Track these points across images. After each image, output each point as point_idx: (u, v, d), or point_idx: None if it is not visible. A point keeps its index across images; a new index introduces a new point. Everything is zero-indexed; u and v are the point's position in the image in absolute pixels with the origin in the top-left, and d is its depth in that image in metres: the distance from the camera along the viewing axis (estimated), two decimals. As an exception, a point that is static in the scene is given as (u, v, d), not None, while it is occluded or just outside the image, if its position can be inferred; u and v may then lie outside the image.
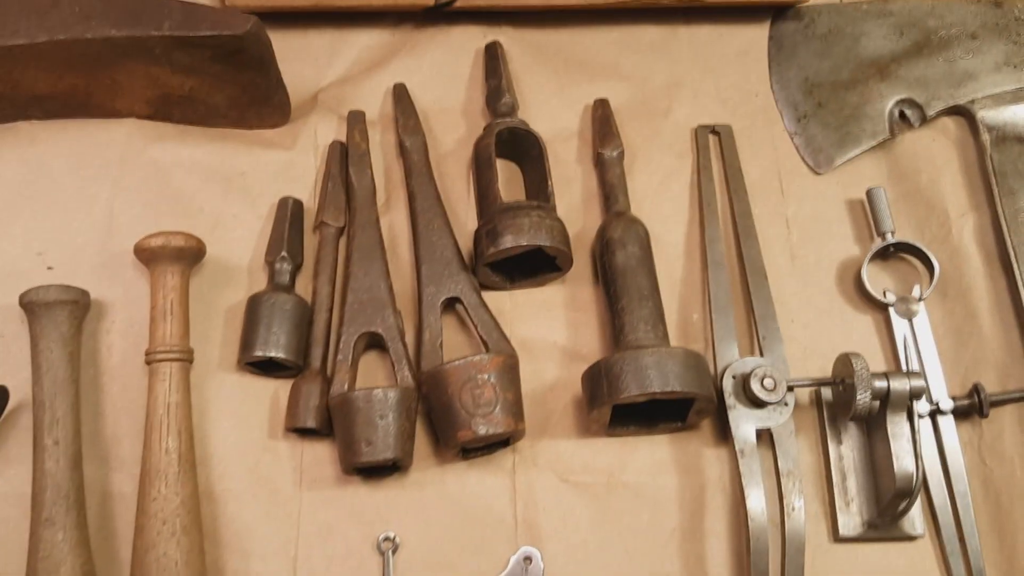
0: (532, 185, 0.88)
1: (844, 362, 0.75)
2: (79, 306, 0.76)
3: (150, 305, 0.77)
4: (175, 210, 0.84)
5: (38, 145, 0.86)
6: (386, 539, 0.74)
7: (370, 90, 0.92)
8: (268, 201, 0.86)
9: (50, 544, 0.68)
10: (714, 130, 0.92)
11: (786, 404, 0.76)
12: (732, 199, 0.88)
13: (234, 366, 0.79)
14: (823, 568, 0.75)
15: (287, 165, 0.88)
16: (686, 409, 0.75)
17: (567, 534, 0.75)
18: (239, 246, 0.84)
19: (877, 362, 0.82)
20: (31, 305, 0.74)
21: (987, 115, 0.91)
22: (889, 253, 0.86)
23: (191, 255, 0.78)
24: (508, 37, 0.95)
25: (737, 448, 0.75)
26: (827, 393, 0.80)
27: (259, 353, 0.76)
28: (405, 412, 0.73)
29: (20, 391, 0.75)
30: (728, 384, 0.77)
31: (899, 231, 0.85)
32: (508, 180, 0.89)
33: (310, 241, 0.85)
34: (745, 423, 0.76)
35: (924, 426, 0.78)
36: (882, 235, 0.85)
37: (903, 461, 0.72)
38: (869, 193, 0.86)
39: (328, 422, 0.75)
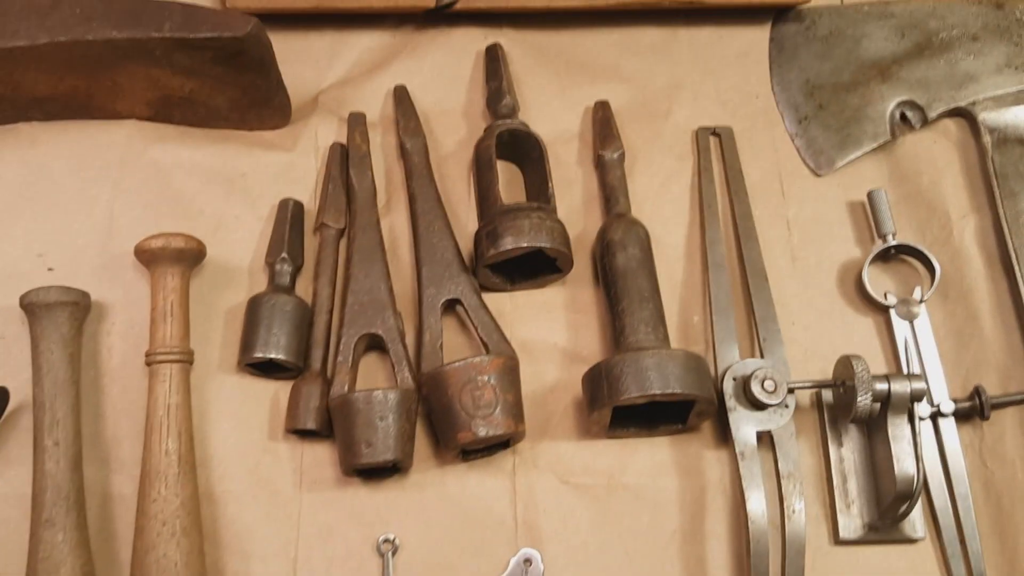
0: (533, 187, 0.88)
1: (845, 364, 0.74)
2: (80, 307, 0.76)
3: (150, 306, 0.77)
4: (175, 211, 0.84)
5: (39, 147, 0.86)
6: (386, 541, 0.74)
7: (371, 92, 0.92)
8: (268, 203, 0.86)
9: (50, 545, 0.68)
10: (715, 132, 0.92)
11: (787, 406, 0.76)
12: (733, 201, 0.88)
13: (234, 367, 0.79)
14: (824, 571, 0.75)
15: (288, 167, 0.88)
16: (687, 411, 0.75)
17: (567, 536, 0.75)
18: (239, 247, 0.84)
19: (878, 364, 0.82)
20: (32, 306, 0.74)
21: (988, 117, 0.91)
22: (890, 255, 0.86)
23: (191, 256, 0.78)
24: (509, 39, 0.95)
25: (737, 450, 0.75)
26: (828, 395, 0.79)
27: (259, 354, 0.76)
28: (405, 413, 0.73)
29: (20, 392, 0.75)
30: (729, 386, 0.77)
31: (900, 233, 0.85)
32: (509, 182, 0.89)
33: (310, 243, 0.85)
34: (745, 425, 0.76)
35: (925, 428, 0.78)
36: (883, 237, 0.85)
37: (904, 463, 0.72)
38: (870, 195, 0.86)
39: (328, 423, 0.75)
